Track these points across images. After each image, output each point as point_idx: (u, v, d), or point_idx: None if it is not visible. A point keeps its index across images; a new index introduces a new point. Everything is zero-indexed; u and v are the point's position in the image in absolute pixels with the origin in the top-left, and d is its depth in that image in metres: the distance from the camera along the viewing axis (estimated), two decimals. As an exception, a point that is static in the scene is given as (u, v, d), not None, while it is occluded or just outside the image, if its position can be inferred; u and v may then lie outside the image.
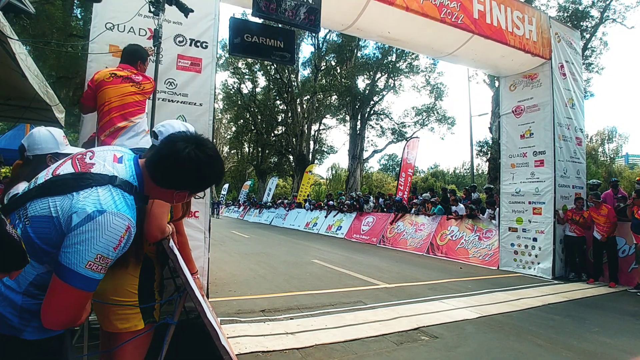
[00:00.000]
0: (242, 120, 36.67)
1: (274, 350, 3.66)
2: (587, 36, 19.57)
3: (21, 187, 1.58)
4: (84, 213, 1.17)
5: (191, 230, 4.30)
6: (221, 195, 39.02)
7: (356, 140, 28.44)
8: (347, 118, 30.46)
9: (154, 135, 2.09)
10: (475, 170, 28.75)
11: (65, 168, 1.32)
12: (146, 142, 3.09)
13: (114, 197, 1.24)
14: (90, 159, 1.36)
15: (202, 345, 2.18)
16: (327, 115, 33.24)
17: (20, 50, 3.45)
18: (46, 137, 2.27)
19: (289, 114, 32.45)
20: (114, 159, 1.38)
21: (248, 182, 37.42)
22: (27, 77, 3.71)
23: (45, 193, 1.24)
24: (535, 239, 8.19)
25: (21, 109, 5.46)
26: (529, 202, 8.42)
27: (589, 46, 19.89)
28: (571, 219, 7.80)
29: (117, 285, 1.80)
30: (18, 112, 5.58)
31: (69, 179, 1.26)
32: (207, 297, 4.27)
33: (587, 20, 19.70)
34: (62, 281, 1.17)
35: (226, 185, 42.11)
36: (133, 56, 3.54)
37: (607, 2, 19.19)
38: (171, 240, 1.99)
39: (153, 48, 3.63)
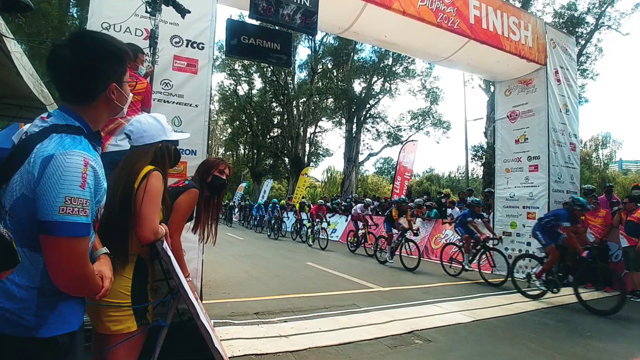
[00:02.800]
0: (237, 122, 36.54)
1: (267, 353, 3.64)
2: (582, 42, 19.72)
3: None
4: (37, 167, 1.16)
5: (185, 232, 4.27)
6: None
7: (352, 143, 28.49)
8: (343, 121, 30.52)
9: (127, 136, 2.10)
10: (470, 175, 28.84)
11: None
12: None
13: (60, 141, 1.22)
14: (25, 135, 1.32)
15: (195, 347, 2.17)
16: (323, 118, 33.27)
17: (15, 48, 3.43)
18: None
19: (285, 116, 32.42)
20: (42, 119, 1.35)
21: (243, 184, 37.28)
22: (22, 76, 3.68)
23: (2, 181, 1.23)
24: (529, 244, 8.21)
25: (15, 107, 5.42)
26: (523, 207, 8.47)
27: (584, 52, 20.05)
28: None
29: (109, 286, 1.78)
30: (12, 110, 5.54)
31: (15, 155, 1.24)
32: (201, 299, 4.24)
33: (582, 26, 19.87)
34: (47, 236, 1.15)
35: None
36: None
37: (603, 9, 19.38)
38: (165, 241, 1.98)
39: (150, 64, 3.64)
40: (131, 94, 1.52)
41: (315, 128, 34.25)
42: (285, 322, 4.61)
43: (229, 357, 3.20)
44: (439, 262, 8.89)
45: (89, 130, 1.34)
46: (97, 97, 1.35)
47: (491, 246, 8.08)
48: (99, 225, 1.65)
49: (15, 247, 0.95)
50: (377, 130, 30.32)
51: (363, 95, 28.19)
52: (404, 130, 29.43)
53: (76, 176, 1.17)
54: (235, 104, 34.08)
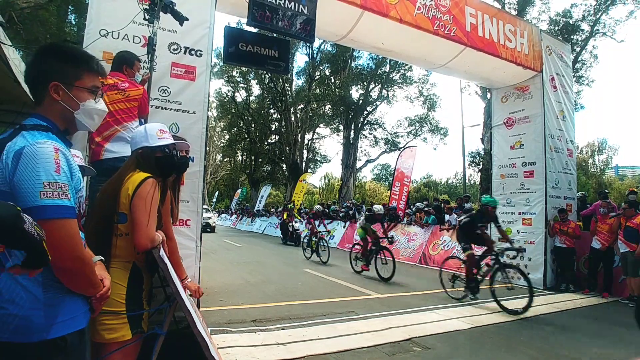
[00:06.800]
0: (235, 129, 36.62)
1: (264, 361, 3.62)
2: (578, 49, 19.89)
3: None
4: (10, 162, 1.20)
5: (182, 238, 4.26)
6: (212, 203, 38.65)
7: (349, 149, 28.52)
8: (341, 127, 30.59)
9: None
10: (467, 181, 28.92)
11: None
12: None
13: (29, 136, 1.26)
14: None
15: (191, 355, 2.15)
16: (321, 125, 33.27)
17: (13, 55, 3.44)
18: None
19: (283, 123, 32.45)
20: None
21: (239, 190, 37.24)
22: (20, 82, 3.69)
23: None
24: (524, 249, 8.20)
25: (13, 114, 5.42)
26: (519, 213, 8.48)
27: (579, 59, 20.21)
28: (560, 230, 7.86)
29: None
30: (10, 117, 5.54)
31: None
32: (198, 307, 4.22)
33: (577, 33, 20.05)
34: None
35: (216, 193, 41.93)
36: (118, 63, 3.61)
37: (597, 17, 19.56)
38: (161, 249, 1.97)
39: (147, 71, 3.68)
40: (97, 104, 1.48)
41: (313, 134, 34.31)
42: (282, 329, 4.58)
43: (226, 365, 3.17)
44: (437, 268, 8.84)
45: (56, 128, 1.39)
46: (44, 95, 1.38)
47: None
48: (89, 229, 1.64)
49: (45, 246, 0.97)
50: (374, 136, 30.37)
51: (360, 102, 28.26)
52: (402, 136, 29.50)
53: (49, 162, 1.21)
54: (233, 110, 34.16)
